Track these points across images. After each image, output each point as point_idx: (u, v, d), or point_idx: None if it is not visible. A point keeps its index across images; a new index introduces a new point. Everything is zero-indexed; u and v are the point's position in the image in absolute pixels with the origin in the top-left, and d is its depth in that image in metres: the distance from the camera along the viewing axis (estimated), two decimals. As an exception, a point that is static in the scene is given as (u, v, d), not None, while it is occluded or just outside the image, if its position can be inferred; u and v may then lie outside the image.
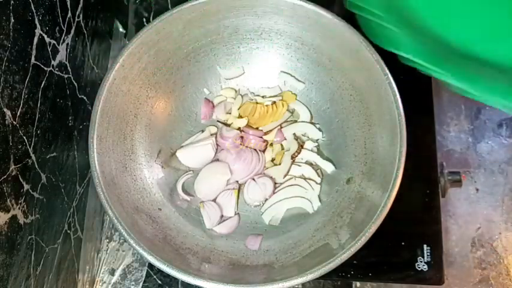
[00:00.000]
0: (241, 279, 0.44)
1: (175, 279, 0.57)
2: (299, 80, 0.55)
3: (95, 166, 0.45)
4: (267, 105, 0.55)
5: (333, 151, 0.54)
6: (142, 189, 0.51)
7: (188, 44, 0.53)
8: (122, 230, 0.43)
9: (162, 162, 0.54)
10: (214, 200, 0.52)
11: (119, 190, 0.47)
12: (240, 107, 0.56)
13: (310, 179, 0.52)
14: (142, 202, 0.50)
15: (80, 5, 0.51)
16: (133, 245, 0.43)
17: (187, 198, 0.52)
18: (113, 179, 0.47)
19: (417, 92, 0.57)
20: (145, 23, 0.66)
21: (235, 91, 0.57)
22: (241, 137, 0.54)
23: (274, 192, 0.52)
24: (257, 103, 0.56)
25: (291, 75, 0.56)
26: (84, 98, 0.53)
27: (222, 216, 0.52)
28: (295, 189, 0.52)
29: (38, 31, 0.41)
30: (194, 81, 0.56)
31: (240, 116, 0.56)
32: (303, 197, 0.51)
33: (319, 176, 0.52)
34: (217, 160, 0.54)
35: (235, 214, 0.52)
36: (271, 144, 0.54)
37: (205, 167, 0.54)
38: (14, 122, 0.38)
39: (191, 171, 0.54)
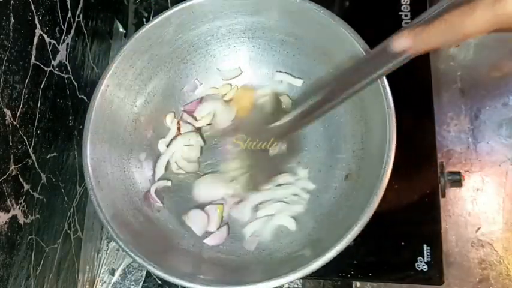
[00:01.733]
0: (240, 280, 0.44)
1: (175, 279, 0.57)
2: (296, 77, 0.55)
3: (88, 171, 0.45)
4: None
5: (331, 147, 0.53)
6: (141, 192, 0.51)
7: (183, 47, 0.53)
8: (114, 235, 0.43)
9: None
10: (202, 208, 0.52)
11: (116, 194, 0.47)
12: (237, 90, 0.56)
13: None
14: (140, 205, 0.50)
15: (80, 5, 0.51)
16: (127, 250, 0.42)
17: (160, 203, 0.52)
18: (109, 183, 0.47)
19: (417, 92, 0.57)
20: (145, 23, 0.66)
21: (231, 86, 0.57)
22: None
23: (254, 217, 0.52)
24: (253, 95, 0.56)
25: (288, 73, 0.55)
26: (84, 98, 0.53)
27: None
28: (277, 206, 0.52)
29: (38, 31, 0.41)
30: (192, 83, 0.56)
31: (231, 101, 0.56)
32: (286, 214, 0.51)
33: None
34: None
35: (220, 227, 0.51)
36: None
37: (210, 173, 0.53)
38: (14, 122, 0.38)
39: (168, 181, 0.53)
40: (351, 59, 0.47)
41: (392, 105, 0.43)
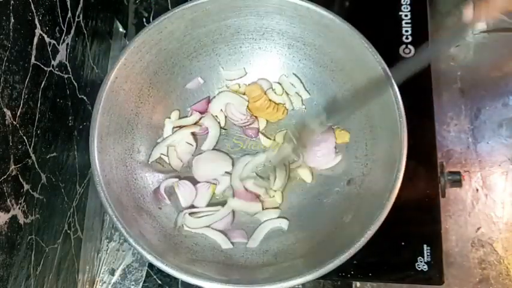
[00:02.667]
0: (241, 279, 0.44)
1: (175, 279, 0.57)
2: (304, 86, 0.56)
3: (95, 164, 0.45)
4: (270, 101, 0.55)
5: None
6: (143, 187, 0.51)
7: (190, 44, 0.53)
8: (122, 229, 0.43)
9: (160, 159, 0.54)
10: (194, 184, 0.53)
11: (119, 189, 0.47)
12: (248, 85, 0.56)
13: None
14: (142, 201, 0.50)
15: (80, 5, 0.51)
16: (133, 244, 0.43)
17: (168, 201, 0.52)
18: (113, 177, 0.47)
19: (417, 92, 0.56)
20: (145, 23, 0.66)
21: (239, 86, 0.57)
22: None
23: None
24: (265, 93, 0.56)
25: (299, 79, 0.56)
26: (84, 98, 0.53)
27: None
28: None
29: (38, 31, 0.41)
30: (196, 80, 0.56)
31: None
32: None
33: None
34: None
35: (226, 215, 0.52)
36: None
37: (210, 151, 0.54)
38: (14, 122, 0.38)
39: (177, 178, 0.53)
40: (361, 67, 0.47)
41: (404, 115, 0.44)
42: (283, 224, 0.51)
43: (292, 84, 0.56)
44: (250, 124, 0.56)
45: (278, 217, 0.52)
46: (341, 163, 0.53)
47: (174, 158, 0.54)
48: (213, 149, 0.55)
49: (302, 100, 0.56)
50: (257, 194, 0.53)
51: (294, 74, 0.55)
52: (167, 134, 0.54)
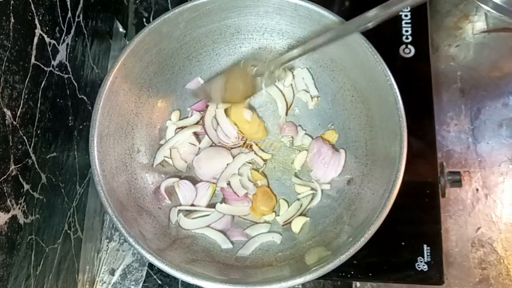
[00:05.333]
0: (241, 279, 0.44)
1: (175, 279, 0.57)
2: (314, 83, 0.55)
3: (95, 164, 0.45)
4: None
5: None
6: (143, 187, 0.51)
7: (190, 44, 0.53)
8: (122, 229, 0.43)
9: (162, 161, 0.54)
10: (194, 184, 0.53)
11: (119, 189, 0.47)
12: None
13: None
14: (142, 201, 0.50)
15: (80, 5, 0.51)
16: (133, 244, 0.43)
17: (169, 200, 0.52)
18: (113, 177, 0.47)
19: (417, 92, 0.57)
20: (145, 23, 0.66)
21: None
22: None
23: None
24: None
25: (311, 74, 0.55)
26: (84, 98, 0.53)
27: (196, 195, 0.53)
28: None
29: (38, 31, 0.41)
30: (196, 80, 0.56)
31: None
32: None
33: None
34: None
35: (225, 215, 0.52)
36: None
37: (208, 148, 0.54)
38: (14, 122, 0.38)
39: (177, 177, 0.53)
40: (361, 67, 0.47)
41: (404, 115, 0.44)
42: (276, 238, 0.50)
43: (302, 79, 0.55)
44: (241, 146, 0.55)
45: (270, 231, 0.51)
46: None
47: (178, 160, 0.54)
48: (211, 146, 0.55)
49: (311, 97, 0.55)
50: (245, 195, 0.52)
51: (307, 68, 0.55)
52: (170, 136, 0.54)
